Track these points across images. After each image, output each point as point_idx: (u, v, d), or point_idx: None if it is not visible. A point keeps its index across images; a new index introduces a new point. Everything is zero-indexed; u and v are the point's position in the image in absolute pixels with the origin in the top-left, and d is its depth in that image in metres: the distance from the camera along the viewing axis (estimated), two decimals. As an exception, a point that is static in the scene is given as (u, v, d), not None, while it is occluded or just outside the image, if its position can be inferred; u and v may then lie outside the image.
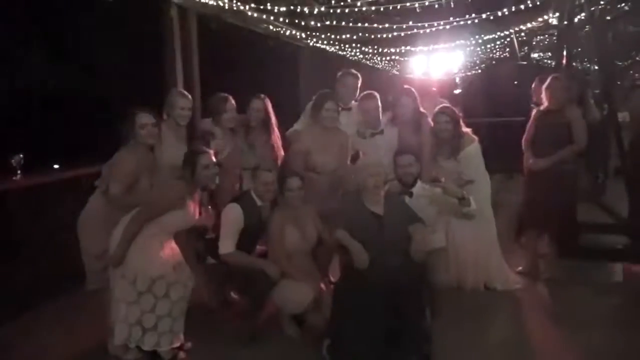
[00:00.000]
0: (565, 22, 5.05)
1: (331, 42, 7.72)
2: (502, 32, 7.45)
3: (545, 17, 6.16)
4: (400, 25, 6.50)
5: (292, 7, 5.41)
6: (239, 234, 3.20)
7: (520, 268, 4.20)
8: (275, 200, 3.32)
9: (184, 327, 3.00)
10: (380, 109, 3.92)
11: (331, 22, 6.18)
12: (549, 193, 3.91)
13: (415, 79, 8.01)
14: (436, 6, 5.32)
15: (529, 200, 4.13)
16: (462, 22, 6.14)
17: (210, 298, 3.54)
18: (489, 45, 9.02)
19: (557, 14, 5.74)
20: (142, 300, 2.82)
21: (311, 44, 7.65)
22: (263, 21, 5.86)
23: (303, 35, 7.11)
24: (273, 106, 3.94)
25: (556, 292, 3.86)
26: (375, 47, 8.55)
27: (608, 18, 5.43)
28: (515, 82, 10.44)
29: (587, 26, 5.83)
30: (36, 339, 3.33)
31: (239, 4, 5.06)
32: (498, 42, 8.56)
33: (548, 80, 3.98)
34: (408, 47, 8.33)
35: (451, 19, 6.07)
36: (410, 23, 6.36)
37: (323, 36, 7.28)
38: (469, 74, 12.57)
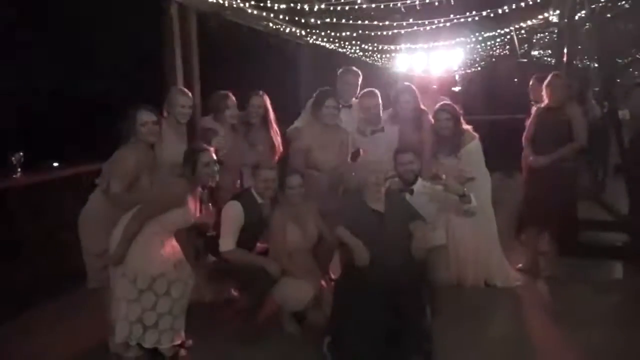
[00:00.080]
0: (566, 20, 5.06)
1: (331, 39, 7.71)
2: (502, 29, 7.44)
3: (546, 14, 6.16)
4: (401, 22, 6.49)
5: (291, 5, 5.40)
6: (240, 231, 3.20)
7: (520, 265, 4.21)
8: (275, 197, 3.32)
9: (185, 325, 3.00)
10: (380, 107, 3.93)
11: (331, 19, 6.17)
12: (549, 191, 3.91)
13: (415, 76, 7.99)
14: (436, 3, 5.31)
15: (529, 198, 4.13)
16: (462, 20, 6.13)
17: (207, 294, 3.55)
18: (489, 43, 9.01)
19: (558, 12, 5.74)
20: (143, 298, 2.82)
21: (311, 41, 7.64)
22: (263, 19, 5.85)
23: (303, 32, 7.10)
24: (273, 104, 3.94)
25: (556, 289, 3.87)
26: (375, 44, 8.54)
27: (608, 15, 5.43)
28: (515, 80, 10.43)
29: (587, 24, 5.83)
30: (37, 338, 3.34)
31: (238, 1, 5.05)
32: (498, 40, 8.55)
33: (549, 78, 3.98)
34: (408, 45, 8.32)
35: (451, 16, 6.06)
36: (411, 20, 6.36)
37: (323, 33, 7.27)
38: (469, 71, 12.56)
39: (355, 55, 9.64)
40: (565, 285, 3.92)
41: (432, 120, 3.89)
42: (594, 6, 5.17)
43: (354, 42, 8.23)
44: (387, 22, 6.49)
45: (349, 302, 2.81)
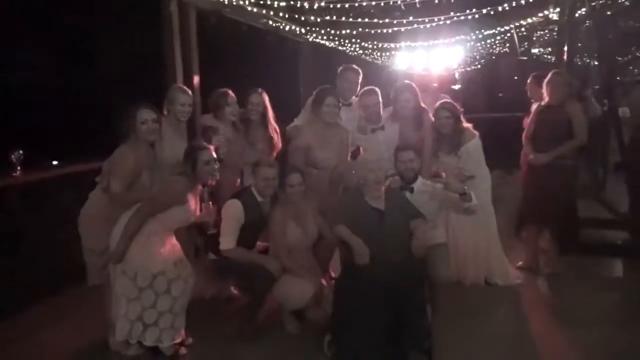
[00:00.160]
0: (566, 18, 5.05)
1: (331, 37, 7.70)
2: (502, 27, 7.42)
3: (546, 12, 6.14)
4: (400, 20, 6.48)
5: (291, 2, 5.39)
6: (240, 230, 3.20)
7: (520, 263, 4.21)
8: (275, 196, 3.32)
9: (185, 323, 3.01)
10: (381, 105, 3.92)
11: (331, 17, 6.16)
12: (549, 188, 3.91)
13: (415, 74, 7.98)
14: (436, 1, 5.30)
15: (529, 196, 4.13)
16: (462, 17, 6.11)
17: (208, 290, 3.55)
18: (489, 41, 8.98)
19: (558, 9, 5.73)
20: (143, 297, 2.82)
21: (311, 39, 7.63)
22: (263, 16, 5.84)
23: (303, 30, 7.09)
24: (273, 102, 3.94)
25: (556, 287, 3.87)
26: (375, 42, 8.52)
27: (608, 13, 5.42)
28: (516, 78, 10.43)
29: (587, 21, 5.82)
30: (37, 335, 3.34)
31: (238, -2, 5.05)
32: (498, 38, 8.52)
33: (549, 76, 3.98)
34: (408, 43, 8.30)
35: (451, 14, 6.05)
36: (411, 18, 6.34)
37: (323, 31, 7.25)
38: (469, 69, 12.54)
39: (355, 53, 9.63)
40: (565, 283, 3.92)
41: (432, 119, 3.89)
42: (594, 4, 5.16)
43: (353, 40, 8.21)
44: (387, 20, 6.47)
45: (349, 300, 2.81)
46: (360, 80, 4.09)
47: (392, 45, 8.70)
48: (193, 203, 3.01)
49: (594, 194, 5.85)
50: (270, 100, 3.94)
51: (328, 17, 6.16)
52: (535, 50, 10.67)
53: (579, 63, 7.29)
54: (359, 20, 6.38)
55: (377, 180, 3.13)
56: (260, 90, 3.88)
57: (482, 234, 3.87)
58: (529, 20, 6.82)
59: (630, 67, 8.99)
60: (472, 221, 3.67)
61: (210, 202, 3.28)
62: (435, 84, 5.89)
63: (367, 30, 6.90)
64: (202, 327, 3.23)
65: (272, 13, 5.77)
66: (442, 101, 4.00)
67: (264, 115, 3.89)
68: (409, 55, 9.06)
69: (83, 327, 3.36)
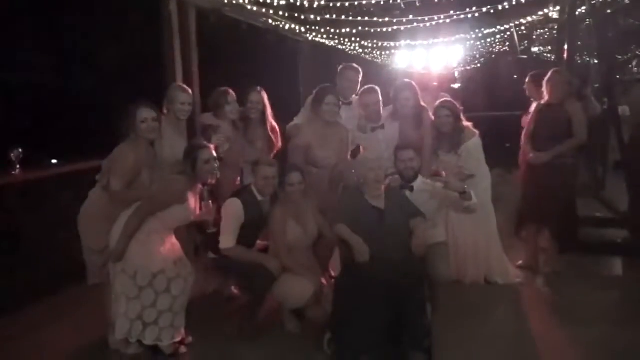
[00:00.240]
0: (566, 16, 5.04)
1: (331, 36, 7.69)
2: (502, 26, 7.42)
3: (546, 10, 6.14)
4: (400, 19, 6.48)
5: (291, 1, 5.38)
6: (240, 228, 3.20)
7: (520, 262, 4.21)
8: (275, 194, 3.32)
9: (185, 322, 3.01)
10: (381, 104, 3.92)
11: (331, 16, 6.15)
12: (548, 187, 3.91)
13: (415, 73, 7.98)
14: (436, 0, 5.30)
15: (529, 195, 4.13)
16: (462, 16, 6.11)
17: (208, 287, 3.55)
18: (489, 40, 8.98)
19: (558, 8, 5.73)
20: (143, 295, 2.82)
21: (310, 38, 7.62)
22: (262, 15, 5.83)
23: (302, 29, 7.08)
24: (273, 101, 3.94)
25: (556, 286, 3.87)
26: (375, 41, 8.52)
27: (608, 11, 5.41)
28: (515, 77, 10.42)
29: (587, 20, 5.82)
30: (37, 334, 3.33)
31: (238, -3, 5.04)
32: (498, 36, 8.51)
33: (549, 74, 3.97)
34: (408, 42, 8.30)
35: (451, 12, 6.04)
36: (410, 17, 6.34)
37: (322, 30, 7.25)
38: (469, 68, 12.54)
39: (355, 52, 9.62)
40: (565, 282, 3.92)
41: (432, 117, 3.89)
42: (594, 2, 5.15)
43: (353, 38, 8.21)
44: (387, 19, 6.47)
45: (349, 299, 2.81)
46: (360, 79, 4.08)
47: (392, 44, 8.70)
48: (193, 202, 3.01)
49: (593, 193, 5.85)
50: (270, 99, 3.94)
51: (328, 16, 6.15)
52: (535, 49, 10.67)
53: (579, 61, 7.29)
54: (359, 19, 6.38)
55: (377, 179, 3.13)
56: (259, 88, 3.88)
57: (482, 232, 3.87)
58: (529, 19, 6.81)
59: (630, 66, 8.98)
60: (472, 220, 3.67)
61: (210, 201, 3.29)
62: (435, 83, 5.88)
63: (367, 29, 6.90)
64: (202, 326, 3.23)
65: (271, 12, 5.77)
66: (442, 100, 4.00)
67: (264, 113, 3.90)
68: (408, 54, 9.07)
69: (83, 326, 3.36)
